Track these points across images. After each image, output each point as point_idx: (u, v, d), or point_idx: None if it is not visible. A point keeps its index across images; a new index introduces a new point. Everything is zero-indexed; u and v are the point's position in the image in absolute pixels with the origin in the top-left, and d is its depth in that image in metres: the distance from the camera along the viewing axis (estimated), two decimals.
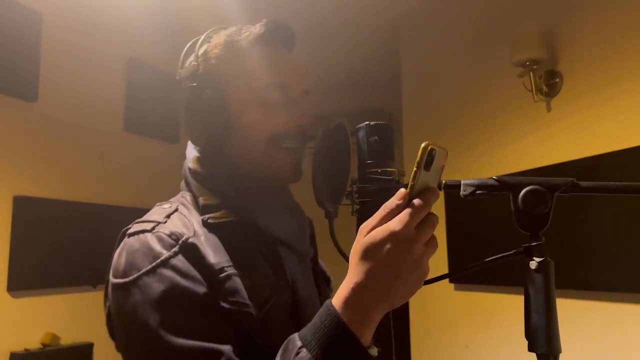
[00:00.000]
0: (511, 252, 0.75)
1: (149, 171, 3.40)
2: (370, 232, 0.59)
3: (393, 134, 0.83)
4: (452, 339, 2.65)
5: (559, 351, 0.68)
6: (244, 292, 0.72)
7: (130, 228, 0.76)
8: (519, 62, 2.14)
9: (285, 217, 0.87)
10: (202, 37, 0.87)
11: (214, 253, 0.74)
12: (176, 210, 0.79)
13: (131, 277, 0.69)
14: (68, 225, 2.96)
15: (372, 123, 0.81)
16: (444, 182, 0.80)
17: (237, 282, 0.73)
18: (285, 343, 0.62)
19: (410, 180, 0.60)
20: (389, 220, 0.59)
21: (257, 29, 0.85)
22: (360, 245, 0.59)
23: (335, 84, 4.42)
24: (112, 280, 0.72)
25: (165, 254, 0.71)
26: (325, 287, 0.97)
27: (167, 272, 0.69)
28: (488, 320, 2.41)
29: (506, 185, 0.74)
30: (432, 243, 0.61)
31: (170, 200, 0.84)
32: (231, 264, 0.74)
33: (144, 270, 0.69)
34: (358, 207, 0.81)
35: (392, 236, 0.57)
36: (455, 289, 2.64)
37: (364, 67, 4.08)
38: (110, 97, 3.24)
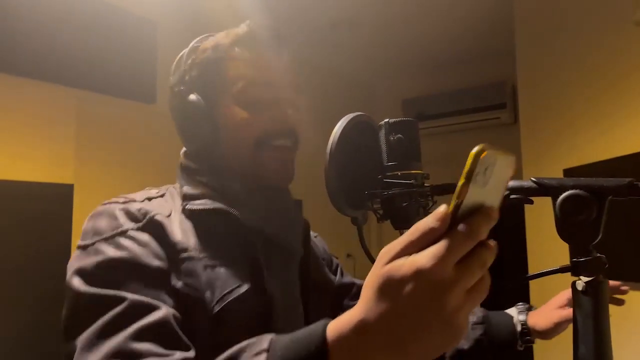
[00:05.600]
0: (556, 268, 0.63)
1: None
2: (392, 261, 0.43)
3: (418, 131, 0.73)
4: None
5: None
6: (202, 278, 0.70)
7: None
8: None
9: (272, 212, 0.82)
10: (192, 44, 0.87)
11: (181, 234, 0.73)
12: (162, 196, 0.80)
13: (90, 241, 0.70)
14: None
15: (391, 120, 0.73)
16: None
17: (198, 266, 0.71)
18: (256, 338, 0.53)
19: (454, 197, 0.41)
20: (419, 249, 0.42)
21: (239, 29, 0.84)
22: (377, 278, 0.43)
23: (453, 59, 4.18)
24: (79, 242, 0.73)
25: (128, 225, 0.71)
26: (315, 293, 0.89)
27: (125, 241, 0.69)
28: (621, 320, 2.11)
29: (545, 188, 0.62)
30: (478, 290, 0.43)
31: (162, 187, 0.85)
32: (198, 248, 0.72)
33: (103, 236, 0.70)
34: (379, 215, 0.74)
35: (419, 275, 0.41)
36: None
37: (480, 40, 3.79)
38: None
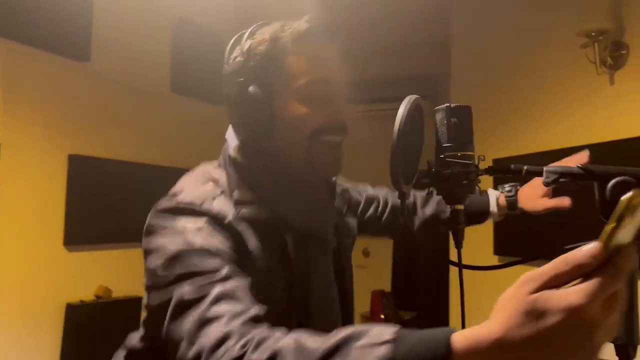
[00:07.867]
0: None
1: (194, 132, 3.44)
2: (540, 289, 0.42)
3: (472, 116, 0.81)
4: None
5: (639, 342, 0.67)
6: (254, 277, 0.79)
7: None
8: (584, 32, 2.04)
9: (315, 210, 0.92)
10: (247, 33, 0.90)
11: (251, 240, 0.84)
12: (221, 193, 0.86)
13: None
14: (119, 183, 3.05)
15: (452, 105, 0.79)
16: (525, 167, 0.79)
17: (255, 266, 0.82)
18: (365, 327, 0.55)
19: (603, 238, 0.41)
20: (564, 282, 0.42)
21: (299, 25, 0.88)
22: (521, 303, 0.43)
23: (381, 48, 4.31)
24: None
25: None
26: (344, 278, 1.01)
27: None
28: None
29: (592, 174, 0.72)
30: (613, 327, 0.43)
31: (214, 176, 0.89)
32: (256, 250, 0.83)
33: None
34: (433, 190, 0.80)
35: (571, 311, 0.41)
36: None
37: (411, 31, 3.96)
38: (158, 58, 3.27)
